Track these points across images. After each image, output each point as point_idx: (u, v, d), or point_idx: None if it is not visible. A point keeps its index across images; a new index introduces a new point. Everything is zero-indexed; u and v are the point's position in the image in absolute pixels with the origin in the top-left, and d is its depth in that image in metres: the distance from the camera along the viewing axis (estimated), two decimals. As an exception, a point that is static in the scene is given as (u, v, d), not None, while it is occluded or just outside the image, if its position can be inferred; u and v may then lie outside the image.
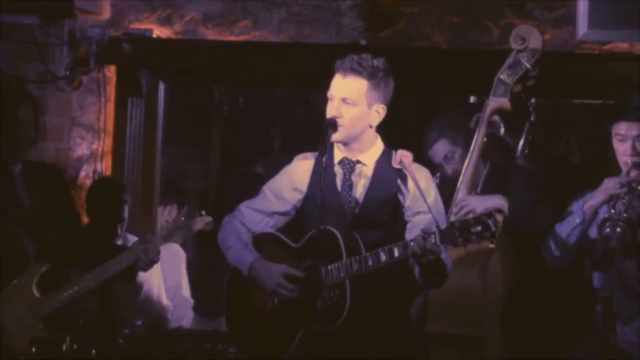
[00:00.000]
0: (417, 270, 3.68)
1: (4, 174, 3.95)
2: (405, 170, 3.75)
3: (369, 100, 3.73)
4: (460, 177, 4.33)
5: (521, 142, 4.89)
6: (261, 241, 3.90)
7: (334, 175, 3.77)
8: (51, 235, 3.93)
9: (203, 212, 4.11)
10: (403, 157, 3.76)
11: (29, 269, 3.86)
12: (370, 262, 3.60)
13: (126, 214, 4.97)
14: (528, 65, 4.28)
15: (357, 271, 3.61)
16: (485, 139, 4.34)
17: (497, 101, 4.30)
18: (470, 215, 4.18)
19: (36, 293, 3.85)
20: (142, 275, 4.83)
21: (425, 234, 3.51)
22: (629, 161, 3.98)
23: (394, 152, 3.80)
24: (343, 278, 3.62)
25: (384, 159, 3.80)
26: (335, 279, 3.64)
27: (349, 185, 3.78)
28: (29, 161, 4.08)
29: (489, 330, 4.18)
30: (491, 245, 3.54)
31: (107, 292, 4.53)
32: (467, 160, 4.33)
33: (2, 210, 3.90)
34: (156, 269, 4.95)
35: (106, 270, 3.93)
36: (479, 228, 3.47)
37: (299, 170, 3.89)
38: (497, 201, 4.26)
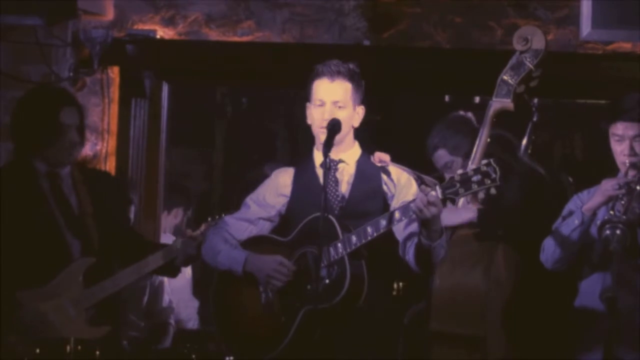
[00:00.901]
0: (410, 255, 3.72)
1: (50, 175, 4.01)
2: (387, 165, 3.85)
3: (353, 102, 3.85)
4: (473, 154, 4.32)
5: (524, 142, 4.88)
6: (248, 244, 3.95)
7: (317, 176, 3.86)
8: (98, 233, 3.99)
9: (210, 219, 4.13)
10: (382, 156, 3.86)
11: (75, 262, 3.92)
12: (369, 230, 3.66)
13: (132, 215, 4.97)
14: (531, 66, 4.27)
15: (356, 242, 3.66)
16: (488, 140, 4.33)
17: (500, 102, 4.29)
18: None
19: (82, 286, 3.89)
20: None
21: (427, 188, 3.56)
22: (627, 161, 3.98)
23: (371, 156, 3.89)
24: (342, 254, 3.67)
25: (364, 159, 3.91)
26: (333, 257, 3.68)
27: (334, 182, 3.85)
28: (81, 165, 4.21)
29: (492, 329, 4.18)
30: (493, 192, 3.54)
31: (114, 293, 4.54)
32: (470, 161, 4.33)
33: (48, 208, 3.97)
34: None
35: (146, 265, 4.00)
36: (479, 177, 3.49)
37: (282, 177, 4.00)
38: (467, 215, 4.28)
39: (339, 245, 3.68)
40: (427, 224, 3.59)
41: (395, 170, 3.85)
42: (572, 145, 7.10)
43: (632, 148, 3.97)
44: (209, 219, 4.12)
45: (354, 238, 3.67)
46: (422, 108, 6.16)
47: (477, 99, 5.82)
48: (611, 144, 4.04)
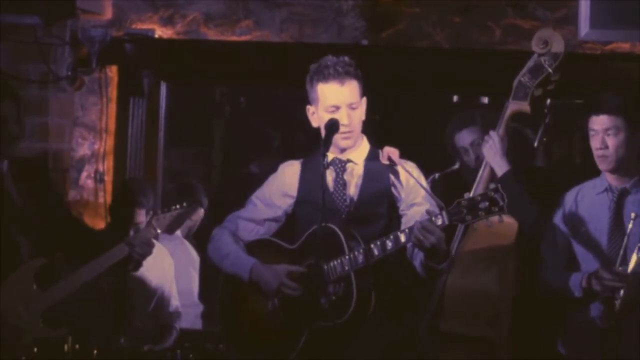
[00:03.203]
0: (417, 262, 3.68)
1: None
2: (395, 166, 3.78)
3: (360, 98, 3.79)
4: (477, 178, 4.32)
5: (535, 144, 4.87)
6: (255, 247, 3.89)
7: (325, 177, 3.74)
8: (43, 229, 3.93)
9: (186, 204, 4.10)
10: (390, 153, 3.79)
11: (25, 264, 3.87)
12: (376, 252, 3.60)
13: (143, 218, 4.91)
14: (550, 70, 4.26)
15: (363, 262, 3.61)
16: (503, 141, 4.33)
17: (517, 104, 4.28)
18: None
19: (34, 288, 3.85)
20: (156, 281, 4.84)
21: (432, 214, 3.51)
22: (600, 154, 3.97)
23: (380, 150, 3.82)
24: (348, 271, 3.61)
25: (373, 157, 3.83)
26: (339, 273, 3.63)
27: (342, 184, 3.79)
28: (14, 158, 4.07)
29: (503, 331, 4.16)
30: (500, 220, 3.53)
31: (122, 295, 4.53)
32: (484, 161, 4.32)
33: None
34: (169, 274, 4.94)
35: (102, 263, 3.96)
36: (487, 203, 3.46)
37: (287, 176, 3.91)
38: (499, 166, 4.28)
39: (345, 262, 3.62)
40: (428, 251, 3.54)
41: (404, 170, 3.78)
42: (570, 146, 7.10)
43: (603, 141, 3.97)
44: (184, 204, 4.07)
45: (360, 257, 3.61)
46: (421, 108, 6.15)
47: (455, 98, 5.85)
48: (590, 140, 4.05)
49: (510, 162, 4.37)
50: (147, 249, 4.01)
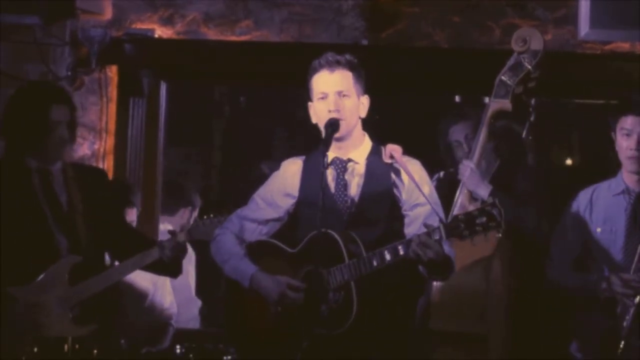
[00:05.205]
0: (421, 267, 3.66)
1: (41, 172, 4.00)
2: (397, 164, 3.75)
3: (357, 92, 3.76)
4: (454, 202, 4.33)
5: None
6: (256, 249, 3.88)
7: (325, 177, 3.71)
8: (87, 231, 3.98)
9: (206, 217, 4.11)
10: (393, 151, 3.76)
11: (61, 260, 3.91)
12: (374, 262, 3.58)
13: (134, 217, 4.93)
14: (529, 67, 4.29)
15: (362, 272, 3.59)
16: (486, 140, 4.34)
17: (498, 102, 4.30)
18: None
19: (67, 283, 3.88)
20: (150, 276, 4.85)
21: (430, 229, 3.50)
22: (635, 155, 3.96)
23: (382, 147, 3.80)
24: (347, 280, 3.60)
25: (375, 155, 3.80)
26: (339, 282, 3.61)
27: (343, 185, 3.76)
28: (72, 162, 4.20)
29: (492, 328, 4.18)
30: (498, 235, 3.53)
31: (115, 294, 4.54)
32: (469, 159, 4.33)
33: (38, 205, 3.96)
34: None
35: (133, 264, 4.01)
36: (484, 219, 3.44)
37: (289, 175, 3.88)
38: (482, 191, 4.29)
39: (345, 271, 3.60)
40: (427, 265, 3.55)
41: (404, 172, 3.74)
42: (569, 145, 7.11)
43: (639, 142, 3.95)
44: (205, 216, 4.09)
45: (360, 267, 3.59)
46: (420, 108, 6.16)
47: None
48: (617, 139, 4.01)
49: (500, 160, 4.40)
50: (179, 254, 4.05)
